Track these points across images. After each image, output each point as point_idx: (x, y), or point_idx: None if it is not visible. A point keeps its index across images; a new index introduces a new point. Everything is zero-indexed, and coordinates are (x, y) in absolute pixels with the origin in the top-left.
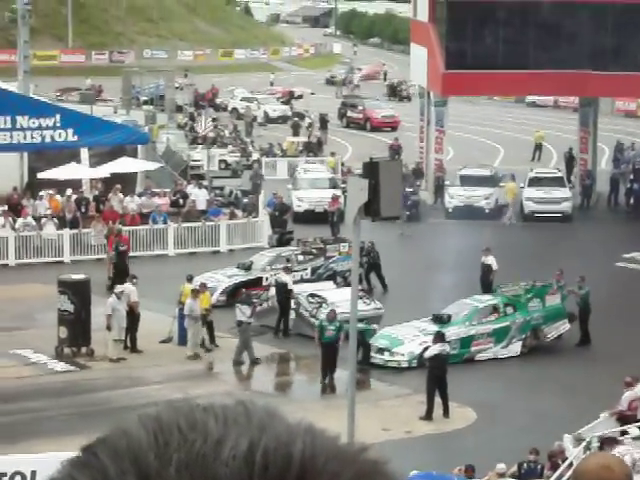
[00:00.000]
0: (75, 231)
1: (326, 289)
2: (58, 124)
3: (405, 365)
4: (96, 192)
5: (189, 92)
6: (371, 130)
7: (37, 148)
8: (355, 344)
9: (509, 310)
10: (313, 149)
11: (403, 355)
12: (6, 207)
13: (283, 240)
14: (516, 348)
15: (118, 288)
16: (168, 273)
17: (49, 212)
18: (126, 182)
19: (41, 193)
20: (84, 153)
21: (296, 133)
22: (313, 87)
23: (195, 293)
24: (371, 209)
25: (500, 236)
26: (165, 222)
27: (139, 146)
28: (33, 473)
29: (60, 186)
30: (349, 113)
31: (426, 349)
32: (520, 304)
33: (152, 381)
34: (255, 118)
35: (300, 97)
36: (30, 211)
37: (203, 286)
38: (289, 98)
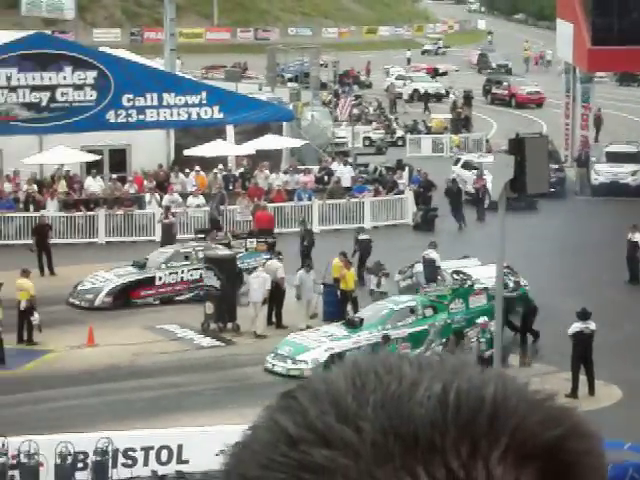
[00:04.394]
0: (221, 208)
1: (471, 266)
2: (204, 101)
3: (309, 374)
4: (242, 169)
5: (333, 70)
6: (516, 107)
7: (183, 125)
8: (501, 323)
9: (428, 312)
10: (459, 125)
11: (307, 363)
12: (154, 184)
13: (428, 217)
14: None
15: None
16: (313, 249)
17: (195, 189)
18: (271, 159)
19: (187, 170)
20: (230, 130)
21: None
22: (457, 64)
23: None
24: (517, 185)
25: None
26: (310, 199)
27: (284, 123)
28: (179, 447)
29: (206, 163)
30: (494, 90)
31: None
32: (441, 305)
33: None
34: (400, 95)
35: (444, 74)
36: (177, 188)
37: (348, 263)
38: (433, 75)
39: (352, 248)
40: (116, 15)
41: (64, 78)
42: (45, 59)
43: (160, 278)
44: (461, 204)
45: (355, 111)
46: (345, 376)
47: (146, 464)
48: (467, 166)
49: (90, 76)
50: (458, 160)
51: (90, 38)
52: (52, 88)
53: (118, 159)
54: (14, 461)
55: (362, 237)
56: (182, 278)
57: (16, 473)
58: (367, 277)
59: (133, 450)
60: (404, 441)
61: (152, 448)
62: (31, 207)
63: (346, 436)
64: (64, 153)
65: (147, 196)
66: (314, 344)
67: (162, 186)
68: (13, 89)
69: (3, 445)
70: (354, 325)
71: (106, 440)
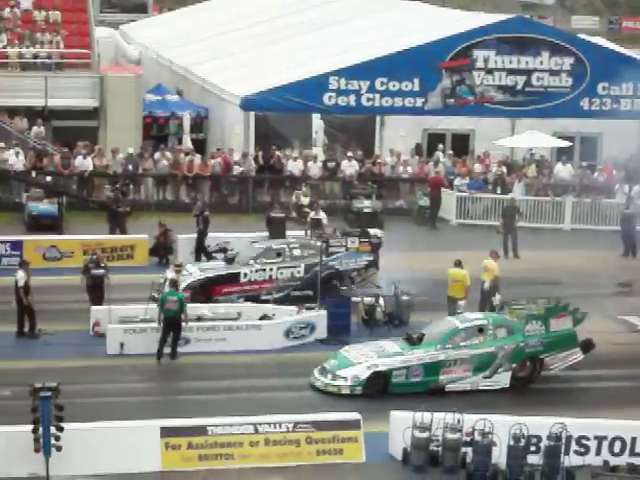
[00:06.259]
0: None
1: None
2: None
3: (346, 392)
4: None
5: None
6: None
7: None
8: None
9: (501, 333)
10: None
11: (346, 379)
12: (623, 174)
13: None
14: (504, 379)
15: None
16: None
17: None
18: None
19: None
20: None
21: None
22: None
23: None
24: None
25: None
26: None
27: None
28: (633, 440)
29: None
30: None
31: None
32: (518, 326)
33: None
34: None
35: None
36: None
37: None
38: None
39: None
40: (595, 3)
41: (541, 63)
42: (523, 43)
43: (245, 275)
44: None
45: None
46: None
47: (598, 453)
48: None
49: (567, 62)
50: None
51: (568, 24)
52: (528, 72)
53: (589, 147)
54: (468, 438)
55: None
56: (270, 276)
57: (469, 450)
58: None
59: (586, 438)
60: None
61: (605, 438)
62: (498, 189)
63: None
64: (535, 137)
65: (617, 186)
66: (361, 359)
67: (632, 177)
68: (490, 71)
69: (459, 421)
70: (412, 341)
71: (560, 426)
